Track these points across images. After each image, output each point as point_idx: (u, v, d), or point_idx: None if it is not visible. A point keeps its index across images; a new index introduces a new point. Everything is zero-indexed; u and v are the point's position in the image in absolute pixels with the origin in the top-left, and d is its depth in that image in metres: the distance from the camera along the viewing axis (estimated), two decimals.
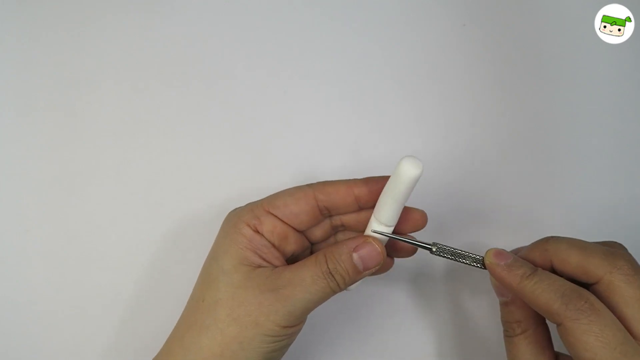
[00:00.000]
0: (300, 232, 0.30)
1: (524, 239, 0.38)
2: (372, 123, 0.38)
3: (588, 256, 0.26)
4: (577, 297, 0.24)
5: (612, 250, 0.27)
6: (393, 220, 0.28)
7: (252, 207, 0.29)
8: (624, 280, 0.25)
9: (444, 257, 0.29)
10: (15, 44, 0.38)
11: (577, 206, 0.37)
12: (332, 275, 0.27)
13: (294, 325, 0.27)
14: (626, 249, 0.28)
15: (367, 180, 0.28)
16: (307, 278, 0.26)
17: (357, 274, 0.27)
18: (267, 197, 0.29)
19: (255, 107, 0.38)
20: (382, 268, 0.30)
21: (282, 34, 0.39)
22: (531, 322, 0.28)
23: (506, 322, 0.29)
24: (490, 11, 0.39)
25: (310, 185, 0.29)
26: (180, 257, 0.36)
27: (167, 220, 0.36)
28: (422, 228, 0.30)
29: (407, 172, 0.25)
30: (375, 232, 0.28)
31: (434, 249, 0.29)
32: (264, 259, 0.28)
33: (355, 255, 0.27)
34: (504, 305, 0.29)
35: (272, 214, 0.28)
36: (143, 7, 0.39)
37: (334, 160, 0.38)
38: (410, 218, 0.29)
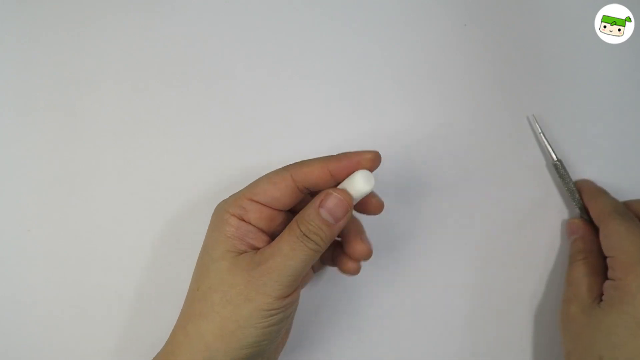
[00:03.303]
0: (287, 211, 0.31)
1: (526, 239, 0.38)
2: (372, 123, 0.38)
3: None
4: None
5: None
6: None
7: (235, 197, 0.30)
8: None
9: (559, 173, 0.37)
10: (15, 44, 0.38)
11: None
12: (307, 237, 0.28)
13: (286, 295, 0.28)
14: None
15: (340, 158, 0.29)
16: (284, 247, 0.28)
17: (331, 227, 0.28)
18: (248, 186, 0.30)
19: (255, 107, 0.38)
20: (372, 209, 0.32)
21: (282, 34, 0.39)
22: (589, 252, 0.35)
23: (572, 254, 0.36)
24: (491, 11, 0.39)
25: (286, 168, 0.30)
26: (181, 256, 0.36)
27: (167, 220, 0.36)
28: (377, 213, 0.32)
29: (359, 187, 0.28)
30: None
31: (558, 164, 0.37)
32: (251, 245, 0.29)
33: (322, 211, 0.28)
34: (574, 241, 0.36)
35: (255, 201, 0.29)
36: (143, 7, 0.39)
37: None
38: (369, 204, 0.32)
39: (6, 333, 0.35)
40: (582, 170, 0.38)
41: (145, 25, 0.39)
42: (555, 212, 0.38)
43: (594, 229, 0.35)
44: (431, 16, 0.39)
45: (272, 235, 0.30)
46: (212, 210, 0.36)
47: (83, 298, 0.35)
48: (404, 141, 0.38)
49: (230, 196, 0.31)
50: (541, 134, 0.37)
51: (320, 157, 0.30)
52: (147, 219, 0.36)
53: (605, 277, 0.33)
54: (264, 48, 0.39)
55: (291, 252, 0.27)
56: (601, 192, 0.36)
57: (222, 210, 0.30)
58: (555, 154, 0.37)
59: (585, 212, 0.36)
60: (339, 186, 0.29)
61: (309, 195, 0.31)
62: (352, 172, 0.29)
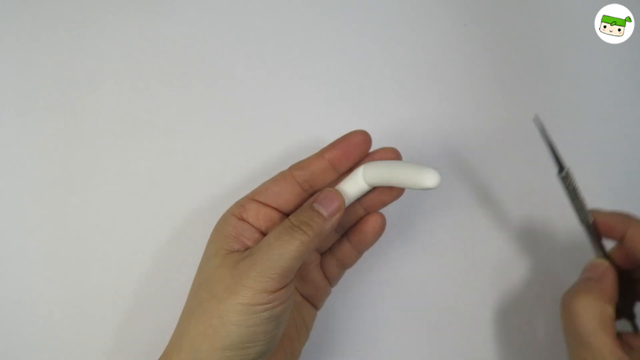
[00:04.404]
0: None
1: (524, 241, 0.38)
2: (372, 123, 0.38)
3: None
4: None
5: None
6: (370, 180, 0.29)
7: (238, 200, 0.30)
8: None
9: (565, 188, 0.28)
10: (15, 44, 0.38)
11: None
12: (298, 227, 0.27)
13: (272, 290, 0.26)
14: None
15: (333, 144, 0.30)
16: (271, 238, 0.27)
17: (323, 220, 0.28)
18: (253, 189, 0.30)
19: (255, 107, 0.38)
20: (391, 196, 0.31)
21: (282, 34, 0.39)
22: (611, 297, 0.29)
23: (588, 287, 0.29)
24: (491, 11, 0.40)
25: (288, 168, 0.30)
26: (181, 256, 0.36)
27: (167, 220, 0.36)
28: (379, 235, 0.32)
29: (424, 181, 0.27)
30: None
31: (563, 173, 0.28)
32: (245, 245, 0.28)
33: (315, 204, 0.28)
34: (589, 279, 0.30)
35: (256, 200, 0.29)
36: (143, 7, 0.39)
37: None
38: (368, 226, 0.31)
39: (6, 333, 0.35)
40: (581, 170, 0.38)
41: (146, 25, 0.39)
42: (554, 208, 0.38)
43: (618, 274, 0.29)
44: (431, 16, 0.39)
45: None
46: (212, 210, 0.37)
47: (83, 298, 0.35)
48: (404, 141, 0.38)
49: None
50: (546, 140, 0.29)
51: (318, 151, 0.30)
52: (147, 219, 0.36)
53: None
54: (264, 48, 0.39)
55: (277, 242, 0.26)
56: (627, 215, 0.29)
57: (226, 212, 0.30)
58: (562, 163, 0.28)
59: (600, 249, 0.30)
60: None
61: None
62: (349, 156, 0.29)
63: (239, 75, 0.38)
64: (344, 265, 0.33)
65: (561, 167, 0.27)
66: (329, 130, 0.38)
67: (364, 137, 0.30)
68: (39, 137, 0.37)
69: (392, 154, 0.31)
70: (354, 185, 0.29)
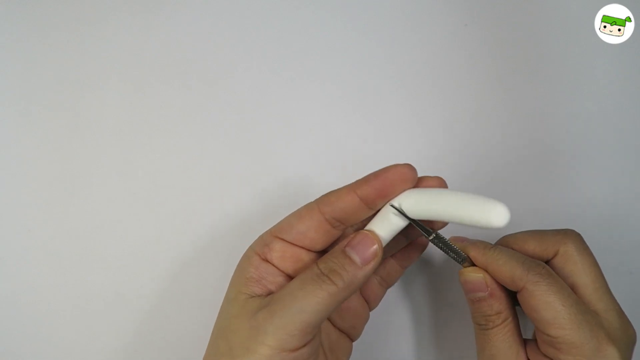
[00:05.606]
0: (320, 252, 0.27)
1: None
2: (374, 124, 0.38)
3: (543, 236, 0.28)
4: (536, 264, 0.26)
5: (562, 229, 0.29)
6: (413, 214, 0.25)
7: (262, 235, 0.27)
8: (577, 250, 0.27)
9: (437, 246, 0.27)
10: (17, 45, 0.38)
11: (577, 206, 0.37)
12: (326, 276, 0.24)
13: (292, 348, 0.23)
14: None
15: (368, 179, 0.25)
16: (295, 286, 0.24)
17: (356, 268, 0.24)
18: (277, 223, 0.27)
19: (258, 107, 0.38)
20: (439, 223, 0.28)
21: (284, 33, 0.39)
22: (510, 311, 0.27)
23: (485, 317, 0.27)
24: (492, 12, 0.40)
25: (315, 201, 0.26)
26: (182, 256, 0.36)
27: (169, 220, 0.36)
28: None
29: (490, 219, 0.24)
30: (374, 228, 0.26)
31: (431, 237, 0.27)
32: (269, 290, 0.25)
33: (347, 249, 0.25)
34: (481, 301, 0.27)
35: (280, 239, 0.26)
36: (145, 7, 0.39)
37: (337, 160, 0.38)
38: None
39: (6, 333, 0.35)
40: (581, 170, 0.38)
41: (148, 26, 0.39)
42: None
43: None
44: (432, 16, 0.39)
45: None
46: (213, 210, 0.37)
47: (83, 298, 0.35)
48: (405, 142, 0.38)
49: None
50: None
51: (349, 184, 0.26)
52: (148, 219, 0.36)
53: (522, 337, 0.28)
54: (266, 48, 0.39)
55: (300, 291, 0.23)
56: (490, 249, 0.27)
57: (249, 249, 0.27)
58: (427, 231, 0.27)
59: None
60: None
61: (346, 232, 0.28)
62: (384, 195, 0.25)
63: (240, 76, 0.38)
64: (388, 284, 0.31)
65: (428, 233, 0.27)
66: (331, 129, 0.38)
67: (405, 175, 0.25)
68: (41, 137, 0.37)
69: (437, 184, 0.27)
70: (391, 223, 0.26)
